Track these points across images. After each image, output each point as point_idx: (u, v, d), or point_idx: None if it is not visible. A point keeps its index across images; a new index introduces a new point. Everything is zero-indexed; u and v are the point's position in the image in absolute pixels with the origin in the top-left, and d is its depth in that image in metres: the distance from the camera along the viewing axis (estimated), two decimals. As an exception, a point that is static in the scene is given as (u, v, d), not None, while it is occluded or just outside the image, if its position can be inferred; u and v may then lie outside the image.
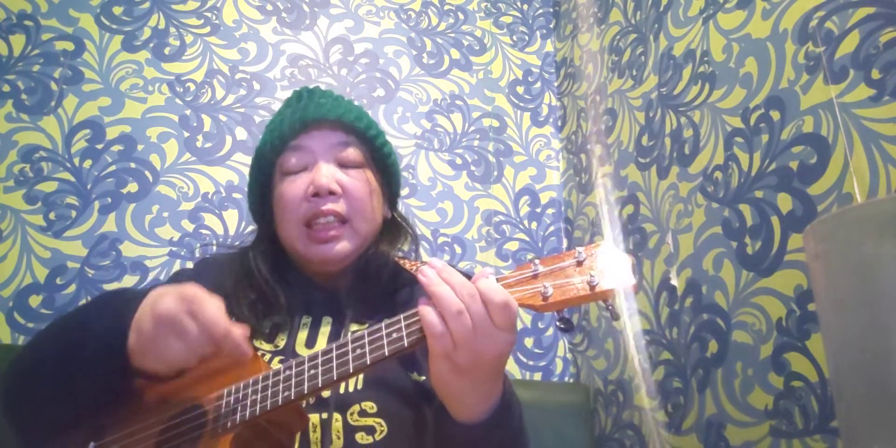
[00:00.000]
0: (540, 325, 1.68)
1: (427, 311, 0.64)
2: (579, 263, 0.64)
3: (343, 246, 0.90)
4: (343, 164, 0.93)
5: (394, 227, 1.02)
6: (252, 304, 0.89)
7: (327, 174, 0.89)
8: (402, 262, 0.93)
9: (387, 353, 0.65)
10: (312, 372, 0.67)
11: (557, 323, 0.65)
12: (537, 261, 0.66)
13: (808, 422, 0.90)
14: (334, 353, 0.67)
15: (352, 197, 0.91)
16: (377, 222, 0.95)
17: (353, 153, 0.93)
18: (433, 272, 0.66)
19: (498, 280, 0.66)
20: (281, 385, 0.68)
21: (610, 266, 0.63)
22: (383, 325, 0.67)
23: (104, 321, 0.72)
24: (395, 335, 0.65)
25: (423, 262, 0.94)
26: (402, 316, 0.67)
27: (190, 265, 1.49)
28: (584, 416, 1.46)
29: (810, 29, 0.97)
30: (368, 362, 0.65)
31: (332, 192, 0.89)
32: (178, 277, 0.97)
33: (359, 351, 0.66)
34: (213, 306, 0.66)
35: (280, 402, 0.66)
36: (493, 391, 0.71)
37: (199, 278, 0.94)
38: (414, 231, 1.04)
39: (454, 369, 0.66)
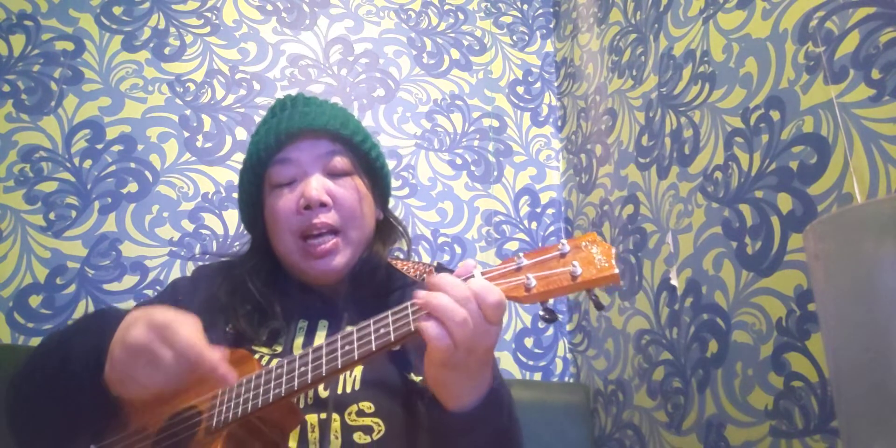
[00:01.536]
0: (540, 325, 1.68)
1: (428, 327, 0.63)
2: (563, 255, 0.64)
3: (340, 259, 0.91)
4: (331, 174, 0.93)
5: (386, 228, 1.03)
6: (248, 315, 0.89)
7: (317, 186, 0.89)
8: (395, 262, 0.94)
9: (374, 348, 0.65)
10: (303, 369, 0.68)
11: (540, 313, 0.65)
12: (521, 254, 0.67)
13: (808, 422, 0.90)
14: (324, 350, 0.68)
15: (342, 207, 0.91)
16: (369, 228, 0.96)
17: (340, 161, 0.93)
18: (424, 292, 0.66)
19: (483, 273, 0.67)
20: (272, 382, 0.68)
21: (593, 256, 0.63)
22: (371, 321, 0.68)
23: (85, 345, 0.73)
24: (381, 330, 0.66)
25: (415, 261, 0.95)
26: (389, 312, 0.68)
27: (190, 266, 1.50)
28: (584, 416, 1.46)
29: (810, 29, 0.97)
30: (356, 357, 0.66)
31: (323, 204, 0.89)
32: (175, 289, 0.97)
33: (347, 347, 0.67)
34: (186, 331, 0.65)
35: (271, 400, 0.67)
36: (483, 380, 0.72)
37: (195, 290, 0.95)
38: (405, 230, 1.05)
39: (448, 365, 0.67)
